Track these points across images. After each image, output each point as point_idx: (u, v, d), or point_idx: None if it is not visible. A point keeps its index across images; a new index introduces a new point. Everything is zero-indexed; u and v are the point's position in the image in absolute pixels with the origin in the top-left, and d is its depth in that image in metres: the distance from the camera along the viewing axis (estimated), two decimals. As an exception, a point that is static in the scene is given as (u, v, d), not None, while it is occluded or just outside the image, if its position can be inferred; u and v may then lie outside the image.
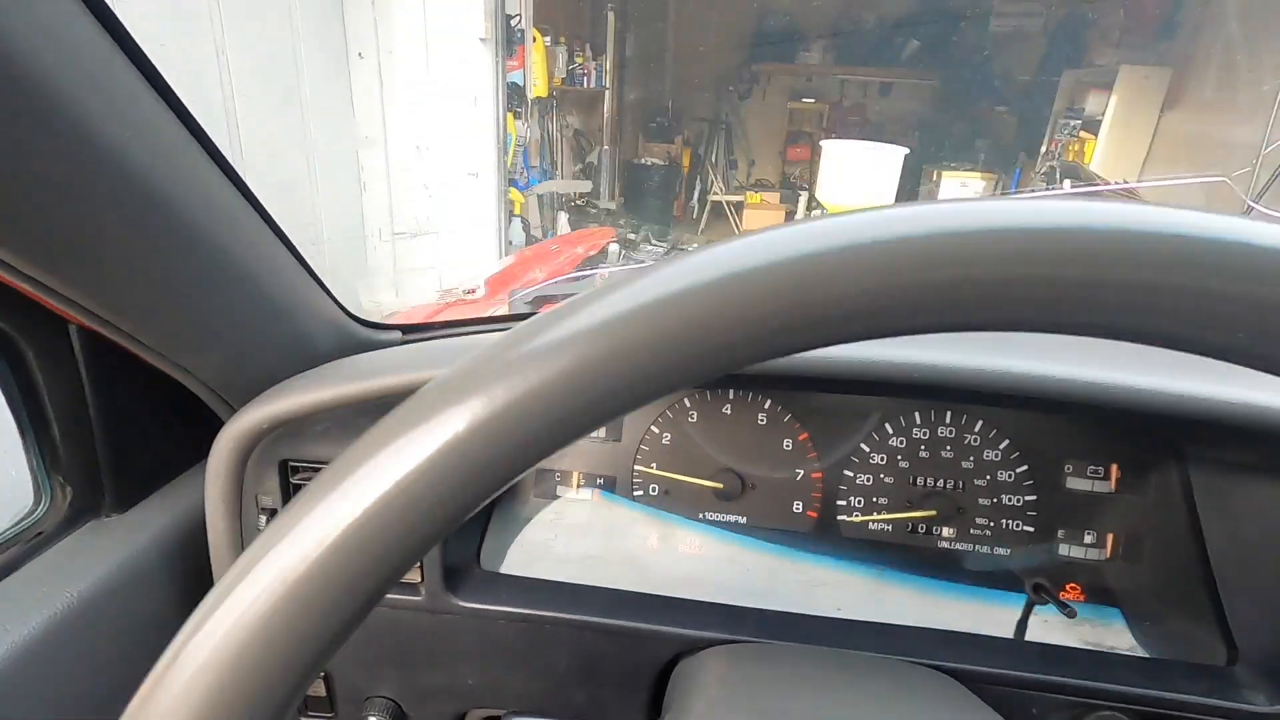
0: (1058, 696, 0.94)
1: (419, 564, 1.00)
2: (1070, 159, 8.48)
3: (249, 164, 5.09)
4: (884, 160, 3.68)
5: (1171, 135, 7.84)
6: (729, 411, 1.16)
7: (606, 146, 10.56)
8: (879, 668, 0.86)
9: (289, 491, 0.97)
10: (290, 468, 0.96)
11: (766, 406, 1.15)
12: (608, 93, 10.13)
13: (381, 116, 5.55)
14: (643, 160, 10.82)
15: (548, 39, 7.83)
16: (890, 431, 1.14)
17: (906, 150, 3.82)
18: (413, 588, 1.01)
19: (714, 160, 10.99)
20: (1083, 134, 8.49)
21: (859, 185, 3.64)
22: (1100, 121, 8.43)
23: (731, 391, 1.15)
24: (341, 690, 1.10)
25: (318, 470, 0.98)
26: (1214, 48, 7.19)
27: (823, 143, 4.17)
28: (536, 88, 7.57)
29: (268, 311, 0.92)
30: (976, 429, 1.12)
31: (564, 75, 8.75)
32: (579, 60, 9.24)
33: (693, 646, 0.98)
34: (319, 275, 1.16)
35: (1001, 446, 1.12)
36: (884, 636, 0.98)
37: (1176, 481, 1.06)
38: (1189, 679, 0.94)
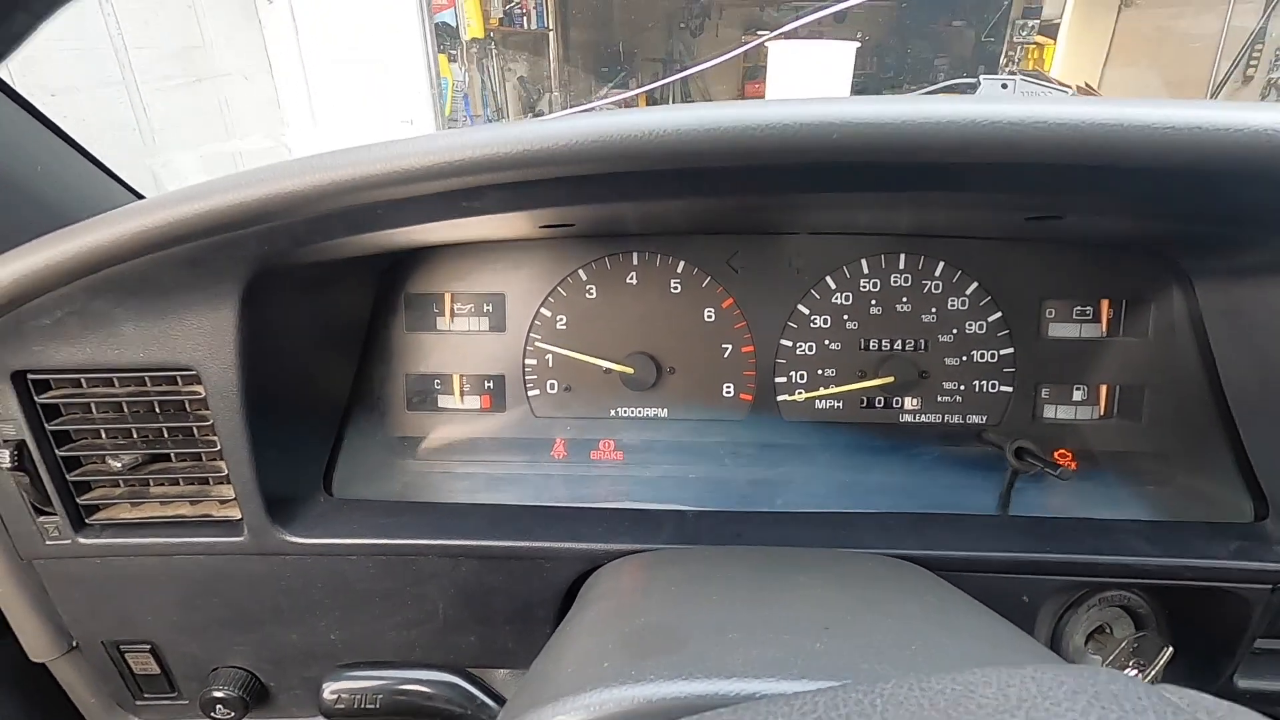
0: (1053, 577, 0.75)
1: (233, 496, 0.77)
2: (1030, 67, 8.22)
3: (158, 128, 4.67)
4: (834, 56, 3.42)
5: (1131, 33, 7.60)
6: (634, 281, 0.93)
7: (556, 93, 10.06)
8: (818, 560, 0.66)
9: (38, 415, 0.73)
10: (32, 383, 0.72)
11: (680, 270, 0.93)
12: (551, 34, 9.61)
13: (299, 57, 5.10)
14: (595, 106, 10.37)
15: (478, -26, 7.30)
16: (833, 286, 0.92)
17: (858, 44, 3.55)
18: (231, 526, 0.79)
19: (670, 102, 10.55)
20: (1040, 39, 8.22)
21: (810, 84, 3.38)
22: (1059, 25, 8.16)
23: (635, 255, 0.93)
24: (177, 664, 0.88)
25: (76, 383, 0.72)
26: (1171, -65, 6.93)
27: (768, 43, 3.89)
28: (470, 28, 7.09)
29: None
30: (937, 272, 0.91)
31: (501, 15, 8.23)
32: (516, -2, 8.70)
33: (598, 563, 0.77)
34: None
35: (969, 291, 0.91)
36: (834, 528, 0.78)
37: (1182, 310, 0.86)
38: (1211, 541, 0.75)
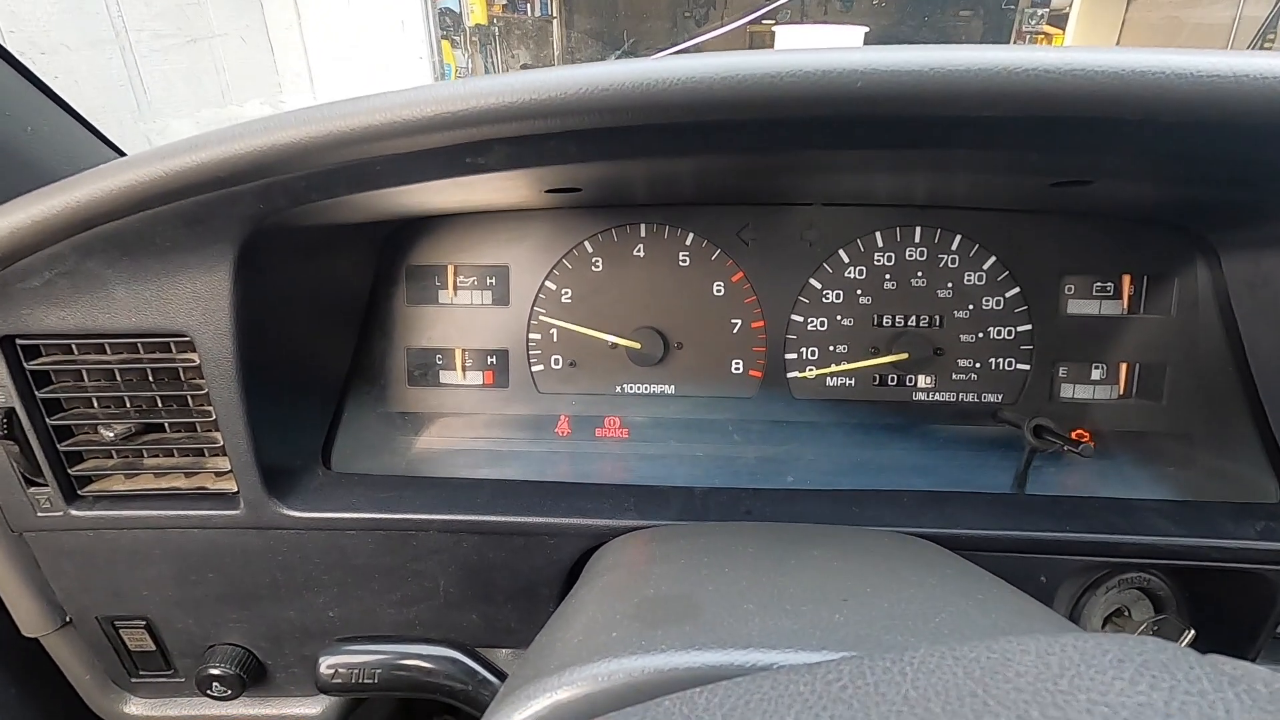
0: (1072, 557, 0.72)
1: (229, 468, 0.75)
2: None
3: (156, 110, 4.62)
4: (843, 41, 3.38)
5: (1141, 23, 7.52)
6: (641, 253, 0.91)
7: (558, 82, 9.98)
8: (832, 536, 0.64)
9: (28, 381, 0.71)
10: (21, 349, 0.70)
11: (689, 242, 0.90)
12: (555, 22, 9.54)
13: (301, 38, 5.06)
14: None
15: (481, -40, 7.23)
16: (846, 259, 0.90)
17: (866, 28, 3.51)
18: (227, 498, 0.77)
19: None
20: (1048, 29, 8.14)
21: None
22: (1067, 15, 8.08)
23: (643, 226, 0.90)
24: (173, 641, 0.86)
25: (66, 349, 0.71)
26: (1183, -77, 6.85)
27: (775, 28, 3.84)
28: (474, 14, 7.02)
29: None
30: (954, 245, 0.88)
31: (504, 1, 8.16)
32: (520, -16, 8.63)
33: (603, 540, 0.75)
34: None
35: (986, 266, 0.88)
36: (845, 505, 0.76)
37: (1206, 285, 0.84)
38: (1236, 521, 0.73)
